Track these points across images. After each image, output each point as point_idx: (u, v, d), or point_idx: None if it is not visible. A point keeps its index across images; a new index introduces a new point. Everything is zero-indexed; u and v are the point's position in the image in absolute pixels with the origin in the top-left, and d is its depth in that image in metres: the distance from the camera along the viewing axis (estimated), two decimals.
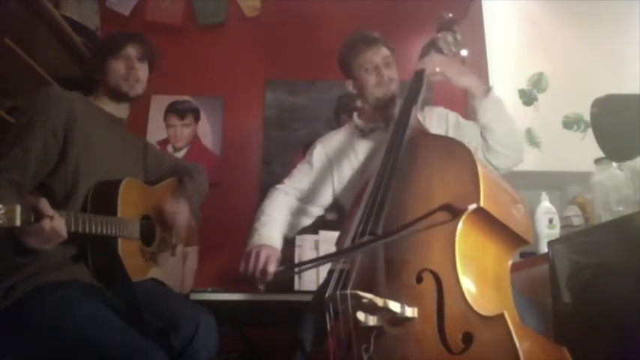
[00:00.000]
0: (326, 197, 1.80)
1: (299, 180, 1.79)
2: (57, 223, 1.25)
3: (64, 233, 1.29)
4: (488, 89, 1.59)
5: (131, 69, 1.68)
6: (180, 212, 1.70)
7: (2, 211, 1.13)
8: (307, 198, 1.79)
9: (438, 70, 1.56)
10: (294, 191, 1.78)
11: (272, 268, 1.46)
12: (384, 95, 1.71)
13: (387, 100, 1.71)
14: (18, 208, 1.16)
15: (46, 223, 1.22)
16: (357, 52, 1.74)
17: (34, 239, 1.25)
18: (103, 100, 1.70)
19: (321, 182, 1.79)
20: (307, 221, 1.83)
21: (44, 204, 1.23)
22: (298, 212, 1.78)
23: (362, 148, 1.76)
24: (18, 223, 1.16)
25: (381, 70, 1.71)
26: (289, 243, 2.32)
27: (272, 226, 1.65)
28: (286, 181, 1.80)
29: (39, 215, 1.22)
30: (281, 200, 1.75)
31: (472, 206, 0.98)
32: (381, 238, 1.14)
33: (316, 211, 1.82)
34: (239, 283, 1.59)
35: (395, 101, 1.71)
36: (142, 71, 1.72)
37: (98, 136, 1.62)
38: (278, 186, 1.80)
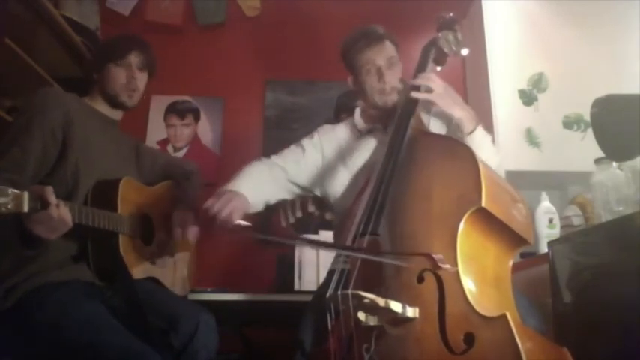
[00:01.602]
0: (310, 186, 1.74)
1: (287, 160, 1.72)
2: (63, 210, 1.28)
3: (70, 221, 1.30)
4: (474, 127, 1.49)
5: (131, 78, 1.68)
6: (191, 228, 1.66)
7: (11, 197, 1.15)
8: (290, 179, 1.71)
9: (431, 95, 1.47)
10: (278, 168, 1.70)
11: (236, 219, 1.39)
12: (384, 104, 1.65)
13: (386, 109, 1.65)
14: (26, 195, 1.18)
15: (54, 211, 1.24)
16: (359, 50, 1.65)
17: (41, 227, 1.26)
18: (97, 101, 1.70)
19: (309, 171, 1.74)
20: (286, 195, 1.74)
21: (50, 192, 1.25)
22: (279, 182, 1.70)
23: (357, 149, 1.72)
24: (26, 209, 1.18)
25: (384, 76, 1.62)
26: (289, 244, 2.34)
27: (248, 180, 1.59)
28: (273, 157, 1.73)
29: (45, 203, 1.24)
30: (261, 165, 1.69)
31: (454, 269, 1.06)
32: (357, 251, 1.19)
33: (296, 190, 1.75)
34: (197, 213, 1.52)
35: (395, 110, 1.60)
36: (141, 80, 1.72)
37: (95, 137, 1.62)
38: (262, 159, 1.73)
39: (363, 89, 1.68)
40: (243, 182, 1.57)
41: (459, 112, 1.50)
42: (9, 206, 1.14)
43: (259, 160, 1.73)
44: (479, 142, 1.47)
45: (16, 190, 1.16)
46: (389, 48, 1.66)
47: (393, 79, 1.64)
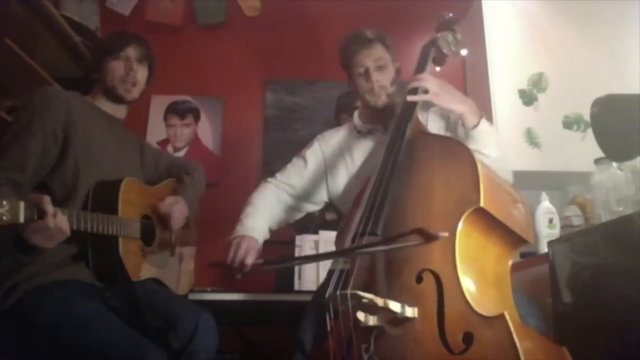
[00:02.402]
0: (319, 195, 1.78)
1: (291, 175, 1.77)
2: (60, 220, 1.26)
3: (68, 230, 1.29)
4: (478, 120, 1.48)
5: (129, 70, 1.67)
6: (177, 210, 1.70)
7: (6, 208, 1.13)
8: (299, 194, 1.76)
9: (427, 95, 1.46)
10: (285, 186, 1.75)
11: (250, 260, 1.47)
12: (374, 104, 1.67)
13: (379, 109, 1.68)
14: (21, 205, 1.16)
15: (50, 220, 1.23)
16: (351, 54, 1.69)
17: (37, 236, 1.25)
18: (100, 99, 1.70)
19: (315, 181, 1.77)
20: (298, 215, 1.82)
21: (47, 201, 1.23)
22: (289, 206, 1.76)
23: (358, 150, 1.74)
24: (22, 219, 1.16)
25: (371, 77, 1.65)
26: (290, 243, 2.34)
27: (256, 216, 1.65)
28: (278, 175, 1.78)
29: (42, 212, 1.22)
30: (269, 193, 1.73)
31: (443, 234, 1.01)
32: (350, 250, 1.19)
33: (309, 207, 1.81)
34: (215, 267, 1.59)
35: (392, 108, 1.66)
36: (141, 73, 1.71)
37: (97, 136, 1.62)
38: (269, 179, 1.78)
39: (356, 91, 1.72)
40: (252, 220, 1.64)
41: (460, 107, 1.49)
42: (4, 218, 1.13)
43: (266, 181, 1.78)
44: (485, 133, 1.47)
45: (11, 201, 1.14)
46: (378, 50, 1.68)
47: (382, 78, 1.66)
